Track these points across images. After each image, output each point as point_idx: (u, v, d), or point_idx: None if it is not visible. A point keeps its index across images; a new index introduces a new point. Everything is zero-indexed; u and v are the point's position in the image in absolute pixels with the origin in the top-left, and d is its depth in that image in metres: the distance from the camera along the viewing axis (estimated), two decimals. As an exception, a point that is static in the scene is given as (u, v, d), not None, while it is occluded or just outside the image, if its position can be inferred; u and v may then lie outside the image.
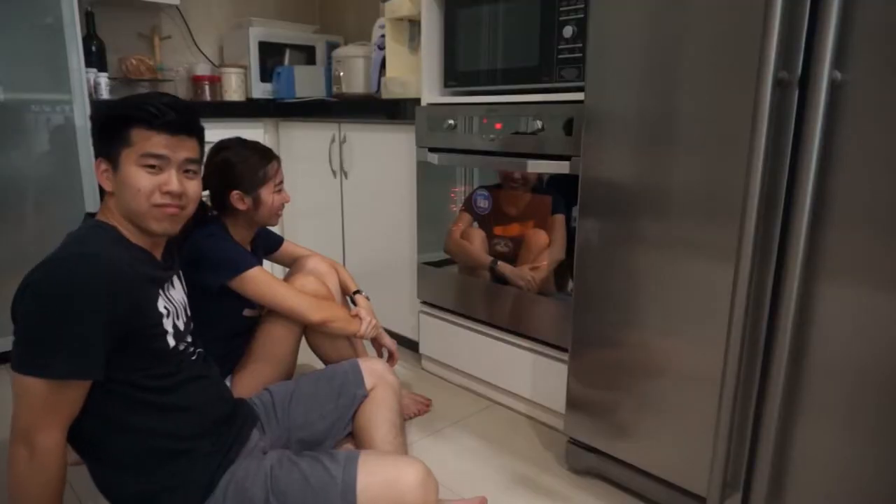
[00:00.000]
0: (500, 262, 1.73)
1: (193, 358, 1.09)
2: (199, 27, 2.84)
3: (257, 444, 1.13)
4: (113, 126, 0.97)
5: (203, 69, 2.77)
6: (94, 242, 0.96)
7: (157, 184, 0.98)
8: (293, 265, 1.71)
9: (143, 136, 0.97)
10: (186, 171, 1.02)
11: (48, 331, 0.88)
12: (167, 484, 0.98)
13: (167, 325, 1.02)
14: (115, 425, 0.96)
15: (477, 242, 1.79)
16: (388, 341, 1.64)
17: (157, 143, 0.97)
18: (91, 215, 1.04)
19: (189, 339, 1.09)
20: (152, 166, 0.98)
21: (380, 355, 1.66)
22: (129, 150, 0.97)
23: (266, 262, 1.67)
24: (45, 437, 0.89)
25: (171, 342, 1.02)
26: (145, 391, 0.96)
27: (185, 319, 1.10)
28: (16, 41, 1.91)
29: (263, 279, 1.42)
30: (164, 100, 0.98)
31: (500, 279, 1.73)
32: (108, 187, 0.99)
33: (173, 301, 1.07)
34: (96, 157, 1.00)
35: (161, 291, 1.03)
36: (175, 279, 1.12)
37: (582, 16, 1.48)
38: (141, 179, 0.97)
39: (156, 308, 1.00)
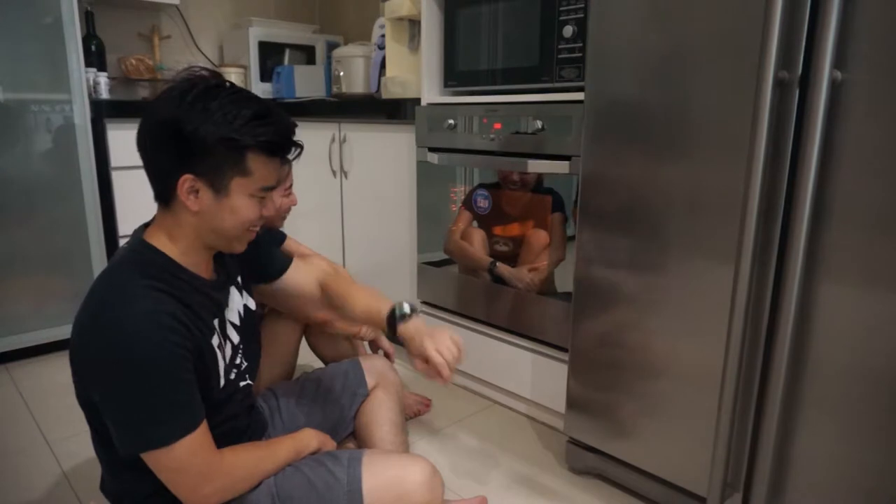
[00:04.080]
0: (499, 264, 1.73)
1: (241, 383, 1.05)
2: (198, 27, 2.84)
3: None
4: (226, 148, 0.86)
5: (203, 69, 2.77)
6: (138, 296, 0.85)
7: (260, 212, 0.93)
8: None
9: (261, 164, 0.89)
10: None
11: (159, 395, 0.84)
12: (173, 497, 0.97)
13: (220, 366, 0.97)
14: None
15: (477, 242, 1.79)
16: (386, 344, 1.65)
17: (273, 172, 0.92)
18: (144, 226, 0.96)
19: (238, 362, 1.05)
20: (262, 196, 0.92)
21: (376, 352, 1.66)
22: (245, 181, 0.88)
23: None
24: (213, 460, 0.90)
25: (222, 381, 0.98)
26: None
27: (238, 341, 1.05)
28: (16, 41, 1.91)
29: None
30: (288, 125, 0.91)
31: (500, 280, 1.73)
32: (194, 207, 0.88)
33: (228, 331, 1.01)
34: (183, 172, 0.86)
35: (217, 325, 0.98)
36: (233, 291, 1.06)
37: (582, 16, 1.48)
38: (252, 210, 0.91)
39: (214, 353, 0.95)
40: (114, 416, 0.86)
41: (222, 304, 1.02)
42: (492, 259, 1.75)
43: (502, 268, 1.72)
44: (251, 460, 0.97)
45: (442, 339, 1.04)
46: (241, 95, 0.89)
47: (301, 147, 0.97)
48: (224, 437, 0.96)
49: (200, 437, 0.88)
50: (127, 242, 0.96)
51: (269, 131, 0.88)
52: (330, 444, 1.12)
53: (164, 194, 0.90)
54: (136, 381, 0.83)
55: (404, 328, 1.08)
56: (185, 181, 0.87)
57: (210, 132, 0.84)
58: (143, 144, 0.90)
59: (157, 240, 0.92)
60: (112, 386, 0.84)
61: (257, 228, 0.97)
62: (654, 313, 1.23)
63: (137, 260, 0.90)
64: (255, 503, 0.98)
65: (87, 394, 0.91)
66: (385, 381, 1.37)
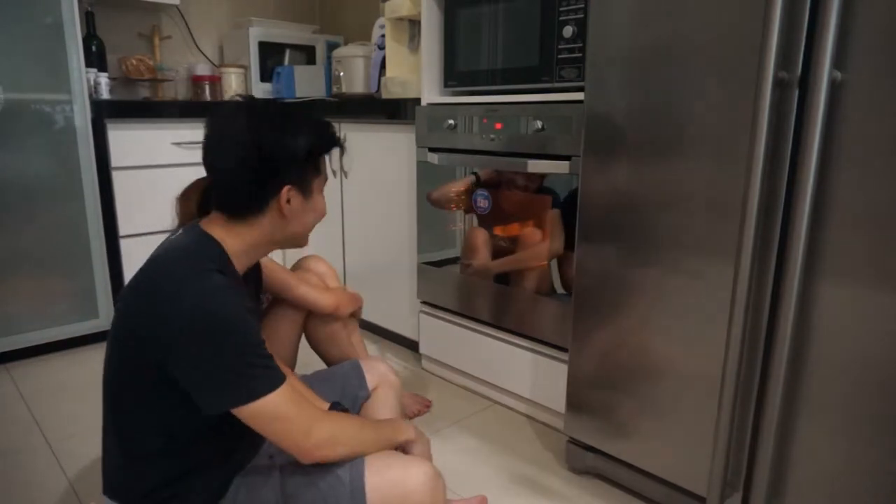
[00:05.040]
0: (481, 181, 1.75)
1: None
2: (199, 27, 2.84)
3: (266, 449, 1.14)
4: (310, 156, 1.00)
5: (203, 69, 2.77)
6: (208, 272, 0.93)
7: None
8: (296, 263, 1.71)
9: (324, 163, 1.05)
10: None
11: (247, 353, 0.90)
12: (180, 490, 0.97)
13: None
14: (165, 433, 0.95)
15: (480, 242, 1.80)
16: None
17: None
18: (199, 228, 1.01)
19: None
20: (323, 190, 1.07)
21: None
22: (320, 179, 1.04)
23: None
24: (315, 408, 0.96)
25: None
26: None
27: None
28: (16, 41, 1.91)
29: (271, 266, 1.43)
30: (334, 131, 1.06)
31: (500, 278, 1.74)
32: (287, 214, 0.99)
33: None
34: (286, 183, 0.97)
35: None
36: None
37: (582, 16, 1.48)
38: (324, 203, 1.06)
39: None
40: (209, 379, 0.88)
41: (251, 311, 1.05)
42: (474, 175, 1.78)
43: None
44: (352, 423, 1.04)
45: None
46: (301, 110, 1.03)
47: (343, 148, 1.10)
48: (229, 434, 0.98)
49: (294, 387, 0.95)
50: (181, 232, 1.00)
51: (332, 137, 1.05)
52: (424, 440, 1.17)
53: (254, 207, 0.98)
54: (230, 340, 0.88)
55: None
56: (287, 191, 0.97)
57: (302, 145, 0.97)
58: (237, 164, 0.96)
59: (215, 233, 0.99)
60: (204, 350, 0.87)
61: None
62: (653, 313, 1.23)
63: (200, 243, 0.97)
64: (261, 501, 0.99)
65: (131, 373, 0.92)
66: (386, 383, 1.37)
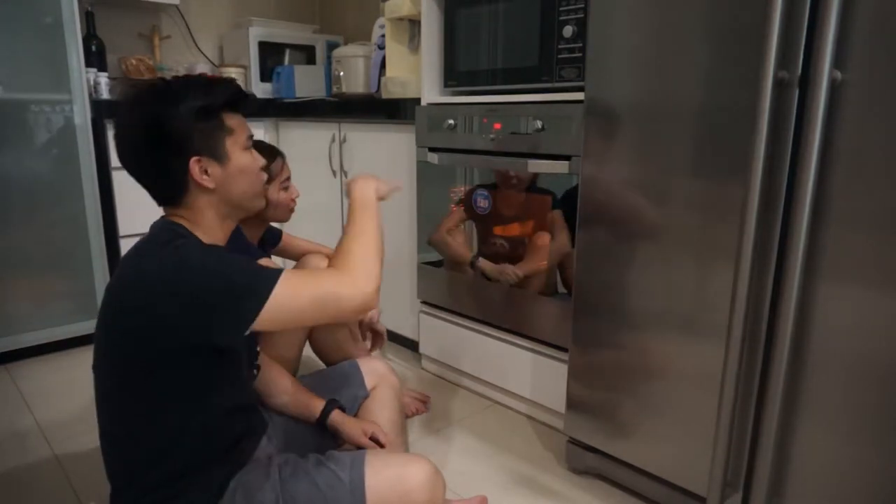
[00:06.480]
0: (481, 259, 1.75)
1: (254, 370, 1.13)
2: (199, 27, 2.84)
3: (264, 448, 1.14)
4: (205, 118, 0.93)
5: (203, 69, 2.77)
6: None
7: (258, 161, 1.01)
8: (298, 262, 1.71)
9: (234, 119, 0.98)
10: None
11: (234, 269, 0.90)
12: (178, 490, 0.97)
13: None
14: (162, 433, 0.95)
15: (460, 243, 1.81)
16: (381, 326, 1.65)
17: (244, 123, 1.00)
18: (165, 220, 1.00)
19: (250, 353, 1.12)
20: (251, 147, 1.00)
21: (365, 337, 1.67)
22: (233, 137, 0.97)
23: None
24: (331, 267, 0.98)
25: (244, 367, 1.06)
26: (212, 389, 0.96)
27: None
28: (16, 41, 1.91)
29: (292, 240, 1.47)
30: (234, 81, 0.99)
31: (484, 276, 1.73)
32: (210, 185, 0.95)
33: None
34: (190, 156, 0.92)
35: None
36: None
37: (582, 16, 1.48)
38: (252, 161, 0.99)
39: None
40: (213, 305, 0.88)
41: None
42: (473, 253, 1.78)
43: (484, 263, 1.75)
44: (354, 238, 1.05)
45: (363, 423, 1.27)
46: (187, 76, 0.97)
47: (253, 97, 1.04)
48: (227, 433, 0.98)
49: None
50: (150, 231, 0.99)
51: (226, 89, 0.97)
52: (382, 188, 1.22)
53: (176, 190, 0.95)
54: (213, 263, 0.89)
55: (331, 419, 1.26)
56: (195, 164, 0.93)
57: (187, 111, 0.91)
58: (137, 156, 0.94)
59: (178, 221, 0.97)
60: (194, 283, 0.87)
61: (264, 184, 1.05)
62: (653, 313, 1.23)
63: (166, 229, 0.95)
64: (260, 502, 0.99)
65: (131, 352, 0.91)
66: (385, 383, 1.37)
